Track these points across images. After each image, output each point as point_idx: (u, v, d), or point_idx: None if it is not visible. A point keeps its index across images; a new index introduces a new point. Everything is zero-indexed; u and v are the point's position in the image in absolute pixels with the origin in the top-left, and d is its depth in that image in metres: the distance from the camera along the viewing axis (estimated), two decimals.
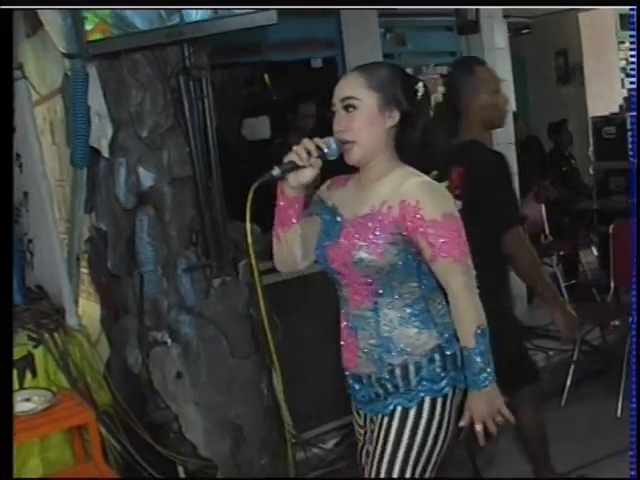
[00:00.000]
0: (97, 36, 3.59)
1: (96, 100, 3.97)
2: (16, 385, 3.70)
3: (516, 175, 6.79)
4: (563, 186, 8.05)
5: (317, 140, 2.45)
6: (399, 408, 2.52)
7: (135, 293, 4.12)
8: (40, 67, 4.64)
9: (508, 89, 7.02)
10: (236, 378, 4.01)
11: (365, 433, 2.73)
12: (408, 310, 2.50)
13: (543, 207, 7.61)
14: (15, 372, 3.71)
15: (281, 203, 2.55)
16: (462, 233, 2.44)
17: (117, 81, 3.95)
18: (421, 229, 2.39)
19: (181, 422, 4.00)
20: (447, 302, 2.52)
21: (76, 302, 4.20)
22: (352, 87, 2.49)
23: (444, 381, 2.51)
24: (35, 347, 3.81)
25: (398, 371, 2.51)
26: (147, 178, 3.99)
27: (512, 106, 7.44)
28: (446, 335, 2.53)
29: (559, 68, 10.39)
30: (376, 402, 2.59)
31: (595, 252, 7.88)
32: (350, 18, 6.82)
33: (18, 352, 3.75)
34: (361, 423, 2.75)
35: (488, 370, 2.44)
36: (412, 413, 2.50)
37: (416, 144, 2.51)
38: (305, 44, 6.77)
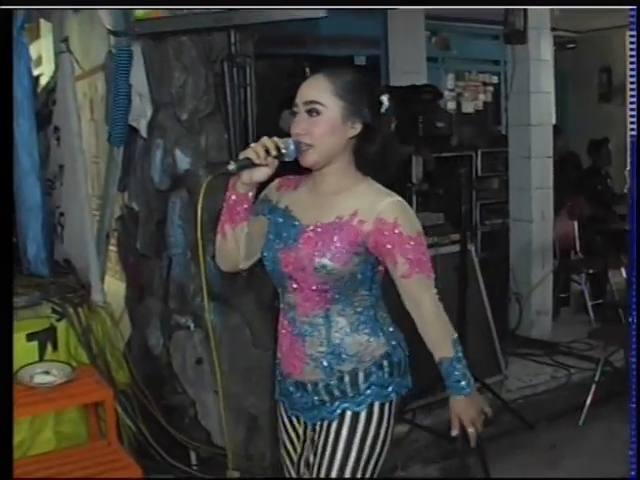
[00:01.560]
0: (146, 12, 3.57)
1: (138, 79, 3.98)
2: (36, 357, 3.71)
3: (551, 189, 6.74)
4: (597, 204, 7.96)
5: (276, 140, 2.38)
6: (349, 413, 2.48)
7: (162, 275, 4.12)
8: (85, 42, 4.66)
9: (550, 102, 6.98)
10: (255, 369, 4.00)
11: (304, 442, 2.62)
12: (359, 317, 2.48)
13: (576, 224, 7.54)
14: (37, 344, 3.72)
15: (232, 198, 2.46)
16: (428, 253, 2.47)
17: (161, 62, 3.95)
18: (399, 244, 2.37)
19: (197, 408, 3.99)
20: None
21: (102, 279, 4.20)
22: (318, 91, 2.39)
23: (391, 387, 2.50)
24: (58, 320, 3.81)
25: (347, 378, 2.48)
26: (183, 161, 3.99)
27: (553, 119, 7.38)
28: (393, 342, 2.52)
29: (602, 85, 10.30)
30: (320, 408, 2.52)
31: (624, 273, 7.79)
32: (397, 18, 6.79)
33: (41, 324, 3.76)
34: (299, 432, 2.63)
35: (468, 375, 2.44)
36: (362, 417, 2.47)
37: (374, 157, 2.45)
38: (350, 40, 6.76)
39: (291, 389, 2.58)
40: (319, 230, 2.43)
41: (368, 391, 2.47)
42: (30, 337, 3.70)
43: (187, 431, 4.01)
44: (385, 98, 2.46)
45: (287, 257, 2.45)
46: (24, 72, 4.01)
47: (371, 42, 6.89)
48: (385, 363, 2.49)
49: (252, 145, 2.38)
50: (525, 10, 6.33)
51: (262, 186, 2.52)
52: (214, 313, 3.92)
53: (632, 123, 3.14)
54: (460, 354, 2.43)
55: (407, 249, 2.37)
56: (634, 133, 3.13)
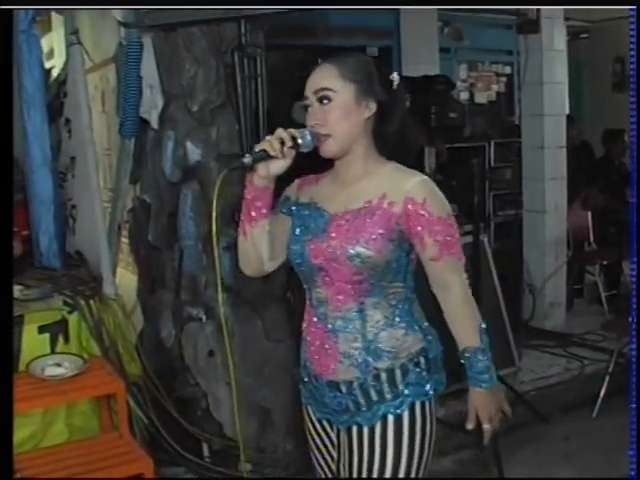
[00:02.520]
0: None
1: (149, 71, 3.97)
2: (48, 349, 3.70)
3: (565, 179, 6.71)
4: (611, 195, 7.91)
5: (292, 130, 2.31)
6: (391, 417, 2.37)
7: (174, 267, 4.12)
8: (96, 34, 4.65)
9: (563, 92, 6.94)
10: (268, 361, 4.00)
11: (338, 446, 2.50)
12: (394, 311, 2.38)
13: (589, 214, 7.49)
14: (48, 336, 3.71)
15: (250, 194, 2.39)
16: (459, 234, 2.39)
17: (172, 53, 3.94)
18: (428, 226, 2.30)
19: (209, 400, 3.98)
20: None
21: (114, 271, 4.20)
22: (326, 78, 2.34)
23: (429, 384, 2.40)
24: (70, 313, 3.80)
25: (384, 376, 2.37)
26: (194, 153, 3.98)
27: (566, 109, 7.34)
28: (429, 337, 2.43)
29: (616, 75, 10.24)
30: (355, 412, 2.41)
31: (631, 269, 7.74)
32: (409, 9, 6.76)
33: (53, 316, 3.76)
34: (332, 437, 2.53)
35: (491, 368, 2.36)
36: (406, 420, 2.37)
37: (394, 136, 2.39)
38: (362, 31, 6.73)
39: (322, 392, 2.46)
40: (348, 217, 2.35)
41: (406, 391, 2.37)
42: (42, 329, 3.69)
43: (199, 423, 4.00)
44: (395, 75, 2.42)
45: (317, 248, 2.37)
46: (35, 65, 4.01)
47: (383, 33, 6.87)
48: (422, 360, 2.39)
49: (267, 137, 2.31)
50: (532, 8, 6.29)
51: (280, 185, 2.45)
52: (226, 305, 3.91)
53: (632, 123, 3.11)
54: (485, 345, 2.35)
55: (436, 230, 2.30)
56: (634, 132, 3.09)
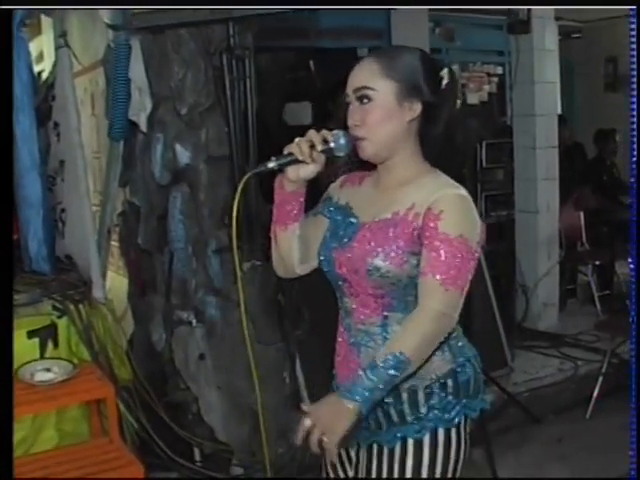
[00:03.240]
0: None
1: (137, 74, 3.94)
2: (37, 354, 3.69)
3: (557, 180, 6.70)
4: (603, 195, 7.91)
5: (325, 133, 2.16)
6: (410, 440, 2.20)
7: (164, 270, 4.10)
8: (85, 37, 4.63)
9: (554, 92, 6.94)
10: (259, 364, 3.95)
11: (357, 464, 2.34)
12: None
13: (582, 214, 7.49)
14: (37, 341, 3.70)
15: (279, 197, 2.27)
16: (469, 267, 2.09)
17: (160, 56, 3.93)
18: (430, 238, 2.08)
19: (200, 404, 3.96)
20: (462, 325, 2.23)
21: (103, 275, 4.19)
22: (367, 75, 2.16)
23: (456, 409, 2.21)
24: (59, 317, 3.79)
25: (405, 396, 2.19)
26: (183, 155, 3.97)
27: (558, 109, 7.34)
28: (460, 359, 2.22)
29: (608, 75, 10.24)
30: (377, 431, 2.26)
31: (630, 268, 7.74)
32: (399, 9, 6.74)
33: (42, 321, 3.75)
34: (351, 453, 2.37)
35: (363, 393, 2.03)
36: (427, 445, 2.20)
37: (440, 140, 2.18)
38: (352, 32, 6.69)
39: None
40: (374, 227, 2.19)
41: (429, 415, 2.19)
42: (31, 334, 3.68)
43: (190, 427, 3.98)
44: (445, 72, 2.21)
45: (340, 257, 2.23)
46: (23, 68, 3.99)
47: (374, 33, 6.82)
48: (450, 382, 2.20)
49: (297, 139, 2.16)
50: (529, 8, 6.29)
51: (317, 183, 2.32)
52: (215, 308, 3.90)
53: (632, 123, 3.10)
54: (381, 375, 2.03)
55: (435, 246, 2.07)
56: (634, 128, 3.08)
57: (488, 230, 6.72)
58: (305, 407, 2.11)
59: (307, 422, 2.03)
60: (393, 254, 2.13)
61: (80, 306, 3.86)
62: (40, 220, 4.18)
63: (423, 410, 2.20)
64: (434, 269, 2.06)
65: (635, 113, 3.01)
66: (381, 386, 2.05)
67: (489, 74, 8.39)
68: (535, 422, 4.98)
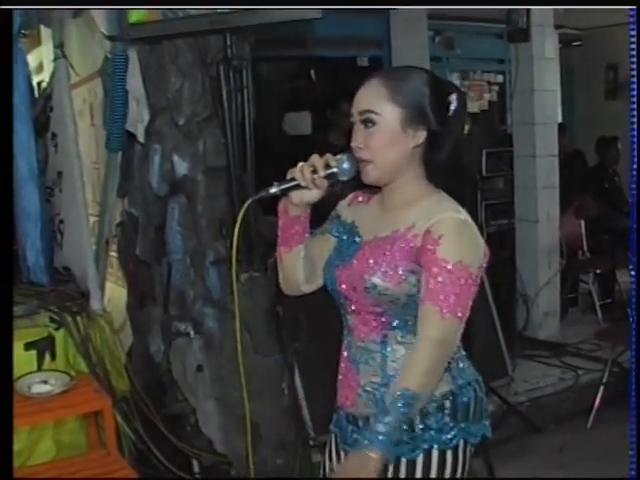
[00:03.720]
0: (138, 16, 3.52)
1: (135, 84, 3.94)
2: (35, 366, 3.67)
3: (557, 188, 6.69)
4: (604, 203, 7.90)
5: (328, 157, 2.16)
6: (403, 460, 2.17)
7: (162, 281, 4.08)
8: (84, 48, 4.62)
9: (554, 100, 6.94)
10: (256, 375, 3.94)
11: None
12: None
13: (583, 223, 7.48)
14: (35, 353, 3.69)
15: (282, 221, 2.29)
16: (469, 293, 2.08)
17: (157, 66, 3.91)
18: (430, 264, 2.06)
19: (198, 416, 3.95)
20: (464, 347, 2.24)
21: (101, 286, 4.18)
22: (372, 99, 2.15)
23: (453, 432, 2.18)
24: (56, 329, 3.78)
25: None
26: (181, 166, 3.95)
27: (558, 117, 7.34)
28: (459, 381, 2.21)
29: (608, 82, 10.25)
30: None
31: (633, 272, 7.72)
32: (399, 18, 6.76)
33: (39, 333, 3.73)
34: None
35: (386, 439, 2.04)
36: (419, 466, 2.17)
37: (445, 166, 2.16)
38: (353, 41, 6.73)
39: (342, 422, 2.34)
40: (373, 245, 2.19)
41: (425, 435, 2.17)
42: (28, 346, 3.66)
43: (188, 439, 3.96)
44: (454, 97, 2.18)
45: (342, 275, 2.24)
46: (21, 79, 3.99)
47: (373, 43, 6.85)
48: (447, 404, 2.18)
49: (300, 164, 2.17)
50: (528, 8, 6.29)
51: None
52: (213, 320, 3.89)
53: (632, 123, 3.08)
54: (395, 413, 2.05)
55: (434, 273, 2.06)
56: (635, 132, 3.07)
57: (488, 239, 6.72)
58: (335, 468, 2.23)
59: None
60: (391, 272, 2.13)
61: (78, 318, 3.84)
62: (38, 231, 4.18)
63: (418, 430, 2.18)
64: (433, 297, 2.06)
65: (635, 113, 3.00)
66: (397, 425, 2.06)
67: (490, 82, 8.44)
68: (536, 432, 4.96)
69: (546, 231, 6.70)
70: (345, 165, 2.18)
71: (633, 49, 2.95)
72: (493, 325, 5.48)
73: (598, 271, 7.41)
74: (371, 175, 2.18)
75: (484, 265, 2.15)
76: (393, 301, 2.14)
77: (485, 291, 5.45)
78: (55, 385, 3.54)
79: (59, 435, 3.76)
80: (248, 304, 3.93)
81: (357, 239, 2.27)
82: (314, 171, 2.16)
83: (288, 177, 2.17)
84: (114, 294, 4.63)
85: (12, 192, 3.72)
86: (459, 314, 2.07)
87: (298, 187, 2.17)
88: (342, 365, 2.33)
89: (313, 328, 4.14)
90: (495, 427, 4.62)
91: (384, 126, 2.14)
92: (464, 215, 2.14)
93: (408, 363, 2.11)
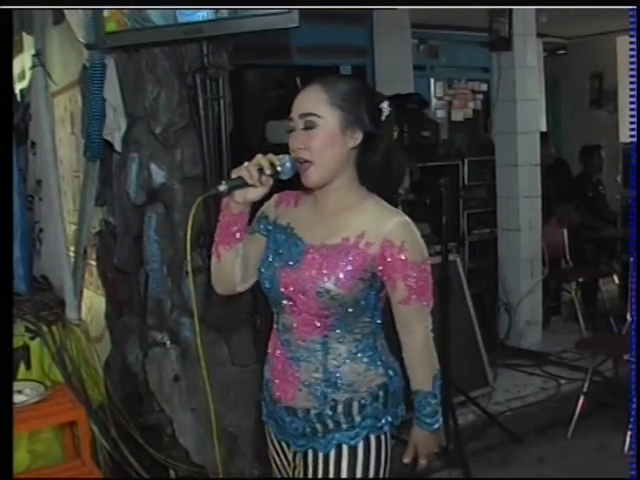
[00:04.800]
0: (112, 26, 3.52)
1: (112, 93, 3.93)
2: None
3: (539, 197, 6.70)
4: (588, 212, 7.92)
5: (271, 157, 2.25)
6: (345, 447, 2.34)
7: (139, 291, 4.06)
8: (64, 56, 4.61)
9: (536, 109, 6.95)
10: (234, 386, 3.94)
11: (294, 468, 2.48)
12: (358, 345, 2.35)
13: (565, 232, 7.49)
14: None
15: (224, 219, 2.37)
16: (431, 277, 2.36)
17: (134, 75, 3.90)
18: (402, 271, 2.26)
19: (175, 426, 3.93)
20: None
21: (77, 296, 4.14)
22: (313, 103, 2.27)
23: (385, 418, 2.38)
24: (32, 339, 3.77)
25: (341, 407, 2.33)
26: (158, 175, 3.93)
27: (540, 126, 7.35)
28: (390, 372, 2.40)
29: (593, 91, 10.26)
30: (311, 438, 2.39)
31: (616, 281, 7.75)
32: (383, 26, 6.76)
33: (14, 342, 3.69)
34: (289, 458, 2.50)
35: (439, 412, 2.42)
36: (360, 451, 2.34)
37: (378, 169, 2.32)
38: (336, 50, 6.72)
39: (281, 414, 2.44)
40: (324, 252, 2.30)
41: (363, 423, 2.35)
42: None
43: (165, 449, 3.94)
44: (385, 105, 2.35)
45: (287, 278, 2.32)
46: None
47: (357, 51, 6.85)
48: (381, 394, 2.37)
49: (245, 164, 2.25)
50: (510, 16, 6.30)
51: (258, 203, 2.40)
52: (190, 330, 3.87)
53: (632, 123, 3.09)
54: (437, 390, 2.40)
55: (410, 275, 2.27)
56: (634, 134, 3.07)
57: (470, 248, 6.76)
58: (406, 460, 2.45)
59: (423, 462, 2.45)
60: (344, 279, 2.25)
61: (53, 327, 3.83)
62: (17, 240, 4.16)
63: (357, 419, 2.35)
64: (419, 296, 2.31)
65: (635, 114, 3.01)
66: (439, 397, 2.41)
67: (474, 91, 8.44)
68: (516, 442, 4.94)
69: (528, 240, 6.70)
70: (288, 164, 2.27)
71: (633, 49, 2.98)
72: (473, 334, 5.49)
73: (581, 280, 7.42)
74: (313, 177, 2.29)
75: None
76: (341, 305, 2.28)
77: (465, 301, 5.46)
78: (30, 395, 3.53)
79: (34, 445, 3.74)
80: (224, 314, 3.93)
81: (298, 242, 2.37)
82: (260, 170, 2.24)
83: (234, 176, 2.25)
84: (94, 303, 4.61)
85: (11, 199, 3.71)
86: (432, 302, 2.38)
87: (245, 185, 2.25)
88: (277, 361, 2.43)
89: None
90: (475, 437, 4.66)
91: (324, 128, 2.26)
92: (406, 217, 2.32)
93: (419, 357, 2.40)
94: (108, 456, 3.89)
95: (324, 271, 2.26)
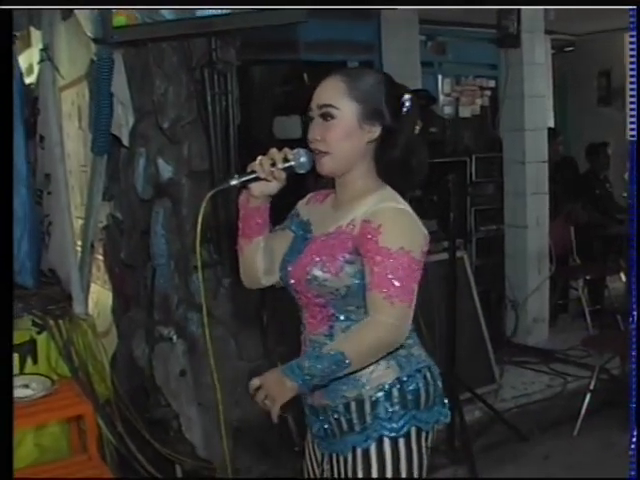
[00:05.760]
0: (121, 20, 3.52)
1: (120, 88, 3.93)
2: (16, 370, 3.66)
3: (546, 194, 6.68)
4: (595, 209, 7.89)
5: (286, 150, 2.25)
6: (359, 450, 2.25)
7: (146, 285, 4.06)
8: (72, 50, 4.61)
9: (544, 106, 6.93)
10: (241, 381, 3.92)
11: (322, 472, 2.43)
12: None
13: (572, 229, 7.47)
14: (16, 357, 3.67)
15: (243, 212, 2.35)
16: (413, 277, 2.15)
17: (142, 70, 3.90)
18: (372, 252, 2.14)
19: (181, 421, 3.93)
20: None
21: (84, 290, 4.15)
22: (332, 94, 2.24)
23: (403, 419, 2.24)
24: (39, 333, 3.78)
25: (353, 405, 2.25)
26: (166, 170, 3.94)
27: (548, 123, 7.33)
28: (407, 369, 2.26)
29: (601, 89, 10.22)
30: (332, 440, 2.34)
31: (624, 278, 7.72)
32: (390, 22, 6.73)
33: (21, 337, 3.72)
34: (319, 459, 2.45)
35: (306, 379, 2.12)
36: (373, 454, 2.24)
37: (396, 163, 2.24)
38: (343, 46, 6.69)
39: (308, 414, 2.43)
40: (318, 240, 2.29)
41: (374, 424, 2.25)
42: None
43: (172, 444, 3.94)
44: (407, 98, 2.27)
45: (292, 270, 2.32)
46: (14, 81, 3.97)
47: (364, 47, 6.81)
48: (395, 392, 2.25)
49: (259, 157, 2.25)
50: (519, 13, 6.29)
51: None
52: (196, 325, 3.87)
53: (632, 123, 3.08)
54: (325, 362, 2.12)
55: (377, 261, 2.13)
56: (634, 133, 3.06)
57: (477, 245, 6.74)
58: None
59: (255, 382, 2.20)
60: (329, 263, 2.21)
61: (60, 322, 3.84)
62: (26, 233, 4.16)
63: (369, 419, 2.26)
64: (379, 284, 2.13)
65: (635, 113, 3.00)
66: (319, 375, 2.14)
67: (482, 87, 8.40)
68: (522, 439, 4.93)
69: (535, 237, 6.69)
70: (302, 159, 2.26)
71: (633, 49, 2.96)
72: (480, 331, 5.47)
73: (588, 277, 7.39)
74: (327, 166, 2.27)
75: (425, 249, 2.21)
76: (333, 292, 2.23)
77: (472, 297, 5.45)
78: (36, 389, 3.54)
79: (40, 439, 3.76)
80: (232, 309, 3.93)
81: (308, 235, 2.38)
82: (273, 164, 2.23)
83: (248, 170, 2.24)
84: (101, 297, 4.62)
85: (11, 194, 3.70)
86: (407, 299, 2.14)
87: (258, 179, 2.24)
88: None
89: (298, 333, 4.13)
90: (481, 434, 4.64)
91: (342, 120, 2.23)
92: (402, 205, 2.22)
93: (355, 334, 2.19)
94: (114, 451, 3.89)
95: (314, 258, 2.24)
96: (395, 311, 2.13)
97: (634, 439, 2.99)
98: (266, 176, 2.22)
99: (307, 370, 2.13)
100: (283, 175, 2.25)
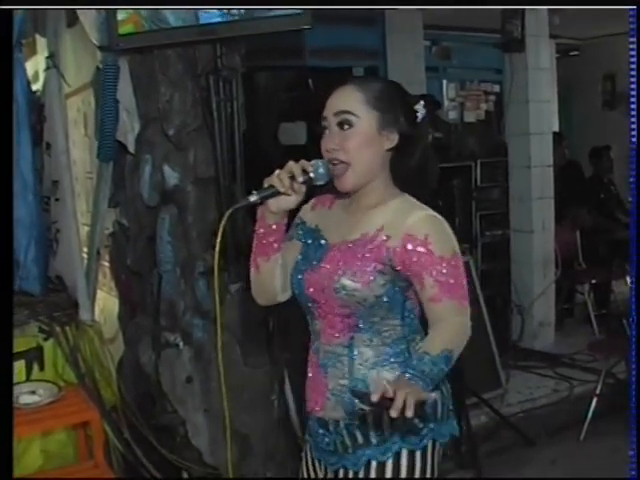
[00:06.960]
0: (129, 28, 3.54)
1: (125, 95, 3.93)
2: (23, 377, 3.67)
3: (552, 199, 6.68)
4: (600, 213, 7.89)
5: (304, 163, 2.17)
6: (374, 463, 2.21)
7: (152, 292, 4.07)
8: (78, 57, 4.63)
9: (549, 111, 6.94)
10: (247, 387, 3.93)
11: None
12: (387, 350, 2.21)
13: (578, 233, 7.48)
14: (23, 363, 3.69)
15: (260, 230, 2.29)
16: (464, 274, 2.19)
17: (148, 77, 3.90)
18: (428, 265, 2.12)
19: (188, 427, 3.93)
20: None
21: (90, 296, 4.16)
22: (349, 101, 2.20)
23: (422, 433, 2.22)
24: (45, 340, 3.79)
25: (371, 418, 2.19)
26: (171, 177, 3.94)
27: (553, 128, 7.34)
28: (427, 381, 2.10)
29: (606, 92, 10.23)
30: (343, 454, 2.27)
31: (629, 282, 7.70)
32: (395, 28, 6.75)
33: (27, 343, 3.73)
34: (319, 475, 2.38)
35: (429, 381, 1.97)
36: (389, 468, 2.20)
37: (413, 171, 2.24)
38: (348, 52, 6.70)
39: (314, 427, 2.37)
40: (343, 248, 2.24)
41: (394, 437, 2.21)
42: (16, 357, 3.65)
43: (178, 451, 3.94)
44: (420, 106, 2.28)
45: (310, 278, 2.27)
46: (20, 88, 4.00)
47: (369, 53, 6.82)
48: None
49: (277, 171, 2.18)
50: (523, 18, 6.29)
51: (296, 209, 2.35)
52: (202, 331, 3.87)
53: (632, 130, 3.08)
54: (441, 363, 2.01)
55: (437, 270, 2.12)
56: (634, 140, 3.06)
57: (483, 249, 6.74)
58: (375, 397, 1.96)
59: (387, 389, 1.90)
60: (360, 273, 2.18)
61: (67, 328, 3.85)
62: (33, 240, 4.17)
63: (387, 433, 2.21)
64: (449, 294, 2.12)
65: (635, 113, 3.00)
66: (437, 378, 2.04)
67: (487, 92, 8.40)
68: (528, 444, 4.93)
69: (541, 241, 6.70)
70: (321, 170, 2.21)
71: (633, 49, 2.96)
72: (486, 336, 5.47)
73: (594, 282, 7.39)
74: (349, 182, 2.23)
75: None
76: (360, 302, 2.18)
77: (478, 302, 5.45)
78: (43, 395, 3.55)
79: (47, 445, 3.76)
80: (237, 315, 3.93)
81: (322, 242, 2.32)
82: (292, 177, 2.17)
83: (266, 185, 2.19)
84: (107, 304, 4.62)
85: (12, 200, 3.72)
86: (466, 298, 2.17)
87: (277, 194, 2.18)
88: (310, 371, 2.36)
89: (304, 339, 4.12)
90: (487, 439, 4.64)
91: (361, 127, 2.20)
92: (432, 211, 2.22)
93: (446, 336, 2.09)
94: (121, 457, 3.89)
95: (341, 266, 2.20)
96: (467, 311, 2.17)
97: (634, 439, 2.98)
98: (286, 190, 2.16)
99: (429, 373, 1.99)
100: (303, 188, 2.20)
